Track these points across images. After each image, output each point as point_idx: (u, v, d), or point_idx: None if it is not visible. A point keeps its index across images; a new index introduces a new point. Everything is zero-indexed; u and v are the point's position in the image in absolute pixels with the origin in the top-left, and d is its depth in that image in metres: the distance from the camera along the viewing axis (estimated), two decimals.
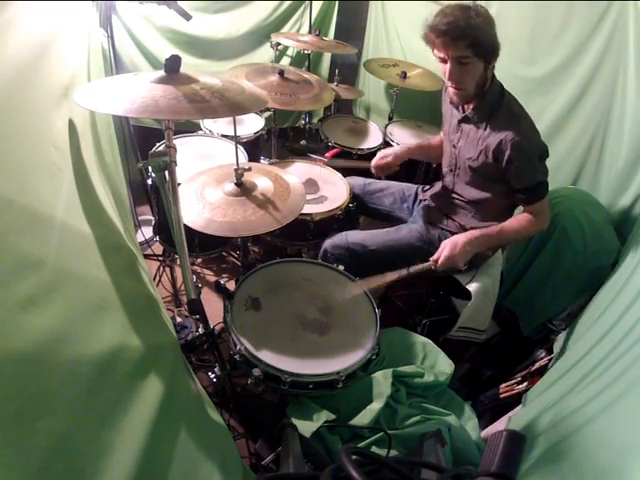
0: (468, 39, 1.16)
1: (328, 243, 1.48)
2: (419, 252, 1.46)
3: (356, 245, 1.45)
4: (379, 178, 2.01)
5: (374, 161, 1.65)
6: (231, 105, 0.93)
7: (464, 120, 1.39)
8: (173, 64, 0.93)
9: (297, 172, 1.69)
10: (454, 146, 1.45)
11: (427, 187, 1.69)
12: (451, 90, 1.31)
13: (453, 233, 1.49)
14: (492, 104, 1.30)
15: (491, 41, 1.20)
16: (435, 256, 1.31)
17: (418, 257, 1.46)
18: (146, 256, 1.76)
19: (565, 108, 1.71)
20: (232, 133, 1.27)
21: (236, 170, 1.23)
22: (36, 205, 0.65)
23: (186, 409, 0.90)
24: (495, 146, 1.26)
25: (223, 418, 1.14)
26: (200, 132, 1.94)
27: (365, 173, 1.90)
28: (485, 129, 1.31)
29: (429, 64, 2.36)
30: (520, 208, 1.40)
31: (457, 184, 1.48)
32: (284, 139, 2.42)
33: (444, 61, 1.24)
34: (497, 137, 1.26)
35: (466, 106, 1.38)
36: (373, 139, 2.17)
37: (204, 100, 0.89)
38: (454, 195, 1.50)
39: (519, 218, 1.35)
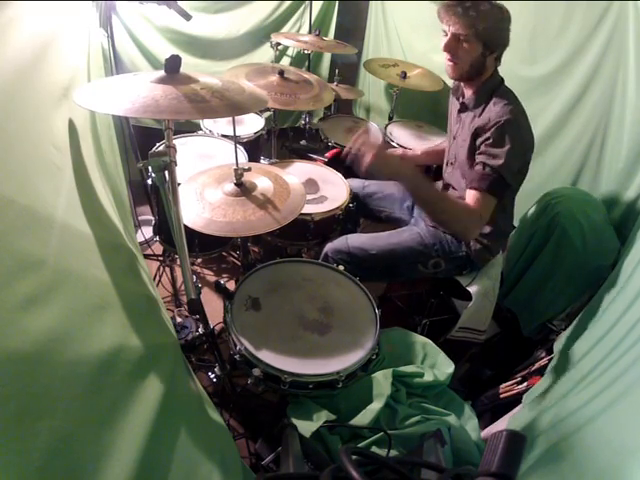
0: (469, 18, 1.19)
1: (329, 247, 1.48)
2: (420, 256, 1.46)
3: (357, 249, 1.45)
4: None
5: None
6: (231, 105, 0.93)
7: (462, 109, 1.40)
8: (173, 64, 0.93)
9: (297, 172, 1.69)
10: (454, 137, 1.45)
11: None
12: (446, 62, 1.32)
13: (454, 235, 1.49)
14: (490, 92, 1.31)
15: (496, 30, 1.22)
16: (358, 138, 1.25)
17: (419, 261, 1.46)
18: (146, 256, 1.76)
19: (565, 108, 1.71)
20: (232, 133, 1.27)
21: (236, 170, 1.23)
22: (36, 205, 0.64)
23: (186, 409, 0.90)
24: (480, 123, 1.27)
25: (223, 418, 1.14)
26: (200, 132, 1.94)
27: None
28: (480, 116, 1.32)
29: (429, 64, 2.36)
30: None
31: (454, 177, 1.48)
32: (284, 139, 2.42)
33: (446, 34, 1.27)
34: (482, 119, 1.27)
35: (465, 93, 1.39)
36: (373, 139, 2.16)
37: (204, 100, 0.89)
38: (452, 191, 1.50)
39: (463, 201, 1.27)
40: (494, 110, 1.26)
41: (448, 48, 1.27)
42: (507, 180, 1.22)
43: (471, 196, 1.25)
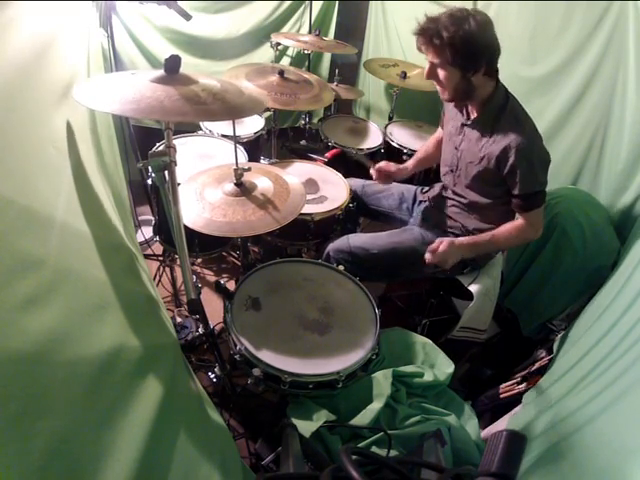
0: (438, 47, 1.17)
1: (331, 247, 1.48)
2: (421, 255, 1.45)
3: (358, 249, 1.46)
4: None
5: (379, 164, 1.65)
6: (232, 109, 0.93)
7: (467, 125, 1.38)
8: (173, 64, 0.93)
9: (297, 172, 1.69)
10: (456, 148, 1.44)
11: (426, 188, 1.69)
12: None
13: (456, 235, 1.49)
14: (496, 111, 1.29)
15: (472, 52, 1.17)
16: (432, 246, 1.32)
17: (420, 260, 1.46)
18: (146, 256, 1.76)
19: (565, 108, 1.71)
20: (232, 133, 1.27)
21: (236, 170, 1.23)
22: (36, 205, 0.64)
23: (186, 409, 0.90)
24: (499, 152, 1.26)
25: (223, 418, 1.14)
26: (200, 132, 1.94)
27: (363, 174, 1.90)
28: (490, 136, 1.30)
29: None
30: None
31: (457, 185, 1.48)
32: (284, 139, 2.42)
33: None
34: (501, 144, 1.26)
35: (470, 112, 1.37)
36: (373, 139, 2.17)
37: (207, 103, 0.89)
38: (455, 197, 1.50)
39: (512, 226, 1.36)
40: (512, 136, 1.23)
41: (428, 76, 1.27)
42: (544, 190, 1.31)
43: (522, 218, 1.36)
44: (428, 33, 1.18)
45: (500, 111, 1.29)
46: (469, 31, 1.14)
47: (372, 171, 1.66)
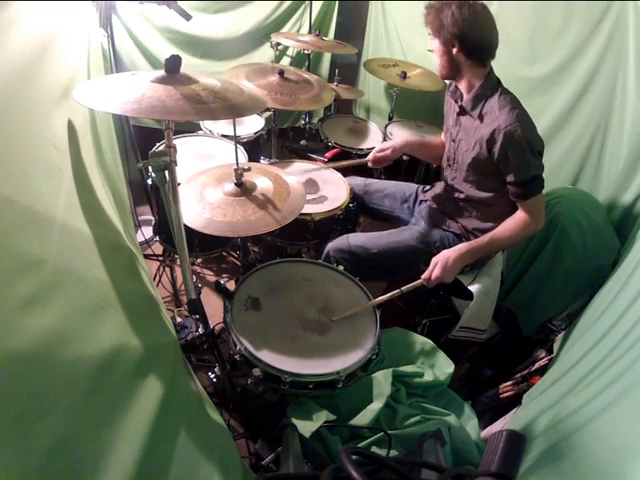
0: (429, 18, 1.30)
1: (330, 246, 1.48)
2: (421, 254, 1.46)
3: (358, 248, 1.46)
4: (379, 177, 2.02)
5: (372, 154, 1.65)
6: (234, 107, 0.93)
7: (461, 112, 1.40)
8: (173, 64, 0.93)
9: (297, 172, 1.69)
10: (453, 140, 1.46)
11: (427, 187, 1.69)
12: None
13: (456, 234, 1.49)
14: (486, 95, 1.31)
15: (460, 33, 1.24)
16: (426, 274, 1.32)
17: (420, 259, 1.46)
18: (146, 256, 1.76)
19: (565, 108, 1.71)
20: (232, 133, 1.27)
21: (236, 170, 1.23)
22: (36, 205, 0.64)
23: (186, 409, 0.90)
24: (488, 136, 1.27)
25: (223, 418, 1.14)
26: (200, 132, 1.94)
27: (364, 172, 1.90)
28: (481, 121, 1.32)
29: (429, 64, 2.36)
30: None
31: (456, 179, 1.48)
32: (284, 139, 2.42)
33: None
34: (491, 127, 1.26)
35: (463, 97, 1.39)
36: (373, 139, 2.17)
37: (208, 102, 0.89)
38: (455, 194, 1.50)
39: (512, 223, 1.34)
40: (501, 119, 1.24)
41: (430, 47, 1.37)
42: (541, 174, 1.30)
43: (521, 208, 1.34)
44: (432, 6, 1.30)
45: (490, 95, 1.31)
46: (470, 16, 1.23)
47: (370, 164, 1.66)
